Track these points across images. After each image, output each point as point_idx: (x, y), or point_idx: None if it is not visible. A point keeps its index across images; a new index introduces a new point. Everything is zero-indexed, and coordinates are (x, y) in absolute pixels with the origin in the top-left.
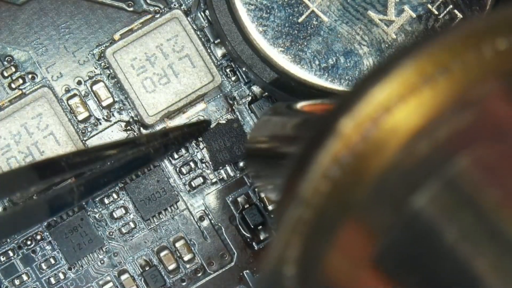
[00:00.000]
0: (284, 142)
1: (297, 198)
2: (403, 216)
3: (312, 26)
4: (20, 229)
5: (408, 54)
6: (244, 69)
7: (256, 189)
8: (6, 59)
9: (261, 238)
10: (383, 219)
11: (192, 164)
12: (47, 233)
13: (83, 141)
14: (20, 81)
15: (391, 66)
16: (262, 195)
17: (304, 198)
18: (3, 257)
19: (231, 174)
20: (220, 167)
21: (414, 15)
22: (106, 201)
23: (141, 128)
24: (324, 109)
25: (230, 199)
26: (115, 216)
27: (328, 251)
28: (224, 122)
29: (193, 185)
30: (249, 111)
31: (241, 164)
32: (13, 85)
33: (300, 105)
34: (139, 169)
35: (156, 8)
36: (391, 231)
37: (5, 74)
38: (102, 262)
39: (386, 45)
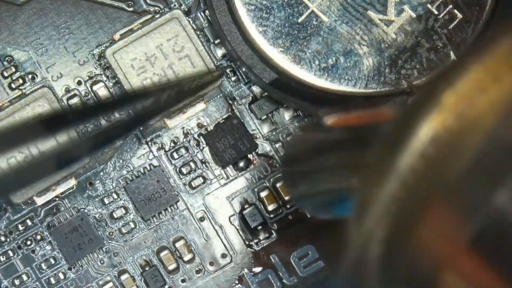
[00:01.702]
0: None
1: (392, 176)
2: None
3: (312, 26)
4: (28, 183)
5: (508, 32)
6: (244, 69)
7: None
8: (6, 59)
9: (261, 238)
10: (476, 200)
11: (192, 164)
12: (47, 233)
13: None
14: (20, 81)
15: (488, 47)
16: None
17: (400, 176)
18: (3, 257)
19: (231, 174)
20: (229, 166)
21: (414, 15)
22: (106, 201)
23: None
24: (364, 118)
25: (230, 199)
26: (115, 216)
27: (419, 230)
28: (223, 121)
29: (193, 185)
30: (249, 111)
31: (241, 164)
32: (13, 85)
33: (331, 119)
34: (150, 120)
35: (156, 8)
36: (485, 213)
37: (5, 74)
38: (102, 262)
39: (386, 45)
